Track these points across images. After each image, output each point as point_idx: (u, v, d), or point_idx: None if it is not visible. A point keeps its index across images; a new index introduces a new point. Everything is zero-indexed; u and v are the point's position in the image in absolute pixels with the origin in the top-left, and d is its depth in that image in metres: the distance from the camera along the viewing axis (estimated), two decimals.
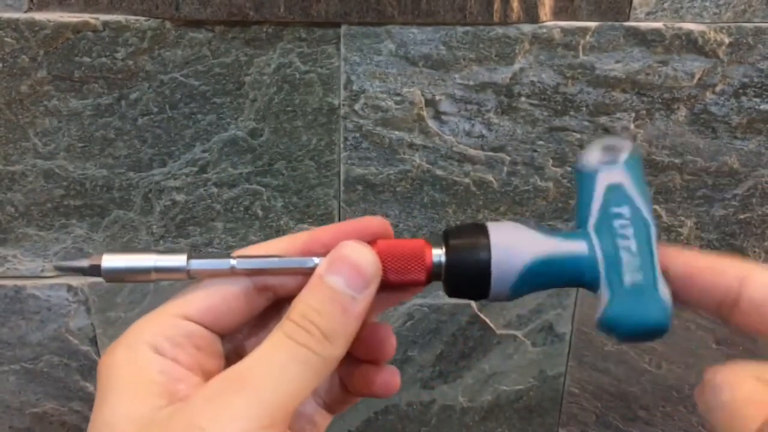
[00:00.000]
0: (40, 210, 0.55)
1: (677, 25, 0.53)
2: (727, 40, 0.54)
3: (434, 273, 0.26)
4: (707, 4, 0.53)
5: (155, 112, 0.53)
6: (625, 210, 0.26)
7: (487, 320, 0.64)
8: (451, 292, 0.26)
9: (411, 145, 0.56)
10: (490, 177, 0.57)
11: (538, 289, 0.26)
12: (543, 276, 0.25)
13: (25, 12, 0.49)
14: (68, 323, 0.60)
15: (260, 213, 0.57)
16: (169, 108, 0.53)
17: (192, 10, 0.49)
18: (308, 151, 0.55)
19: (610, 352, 0.66)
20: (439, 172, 0.57)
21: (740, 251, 0.63)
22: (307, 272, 0.25)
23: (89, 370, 0.62)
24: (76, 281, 0.58)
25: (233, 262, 0.25)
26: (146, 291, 0.59)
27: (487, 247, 0.25)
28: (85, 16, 0.49)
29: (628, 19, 0.53)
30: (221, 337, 0.26)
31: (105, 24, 0.49)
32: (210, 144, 0.54)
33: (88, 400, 0.63)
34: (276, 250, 0.26)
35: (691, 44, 0.54)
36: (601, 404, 0.69)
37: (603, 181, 0.26)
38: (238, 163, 0.55)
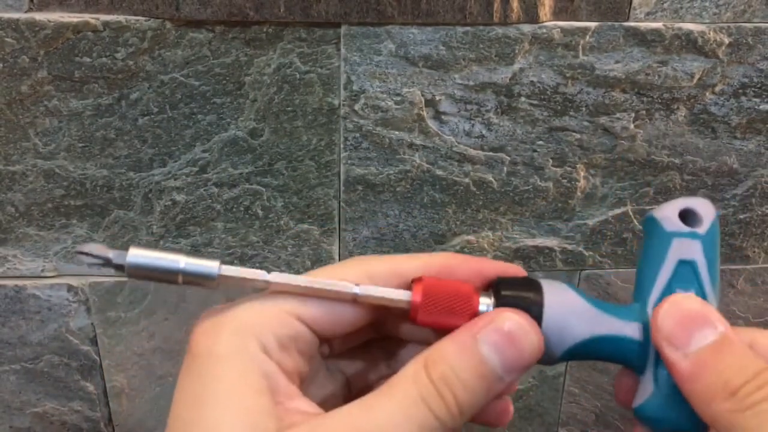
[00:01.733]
0: (41, 210, 0.55)
1: (677, 25, 0.53)
2: (726, 40, 0.54)
3: None
4: (707, 4, 0.53)
5: (155, 112, 0.53)
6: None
7: None
8: None
9: (411, 145, 0.56)
10: (490, 177, 0.57)
11: (579, 359, 0.25)
12: (589, 353, 0.24)
13: (26, 12, 0.49)
14: (68, 323, 0.60)
15: (260, 213, 0.57)
16: (169, 108, 0.53)
17: (192, 11, 0.49)
18: (308, 151, 0.55)
19: None
20: (439, 172, 0.57)
21: (740, 251, 0.63)
22: (347, 298, 0.24)
23: (89, 369, 0.62)
24: (76, 281, 0.58)
25: (269, 276, 0.24)
26: (147, 291, 0.59)
27: (539, 308, 0.24)
28: (86, 16, 0.49)
29: (627, 20, 0.53)
30: (320, 340, 0.25)
31: (105, 24, 0.50)
32: (210, 144, 0.54)
33: (89, 399, 0.63)
34: (409, 266, 0.25)
35: (691, 44, 0.54)
36: (601, 404, 0.69)
37: (676, 252, 0.24)
38: (239, 163, 0.55)
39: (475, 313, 0.24)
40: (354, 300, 0.24)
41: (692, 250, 0.24)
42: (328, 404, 0.24)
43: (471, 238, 0.60)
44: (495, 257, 0.61)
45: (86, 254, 0.22)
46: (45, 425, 0.64)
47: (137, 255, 0.22)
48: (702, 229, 0.24)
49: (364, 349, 0.28)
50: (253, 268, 0.24)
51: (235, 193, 0.56)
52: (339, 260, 0.60)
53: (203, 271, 0.23)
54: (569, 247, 0.61)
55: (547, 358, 0.24)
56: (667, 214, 0.25)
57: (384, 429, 0.20)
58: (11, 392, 0.62)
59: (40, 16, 0.49)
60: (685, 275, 0.24)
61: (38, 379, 0.62)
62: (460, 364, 0.21)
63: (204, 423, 0.20)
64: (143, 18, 0.50)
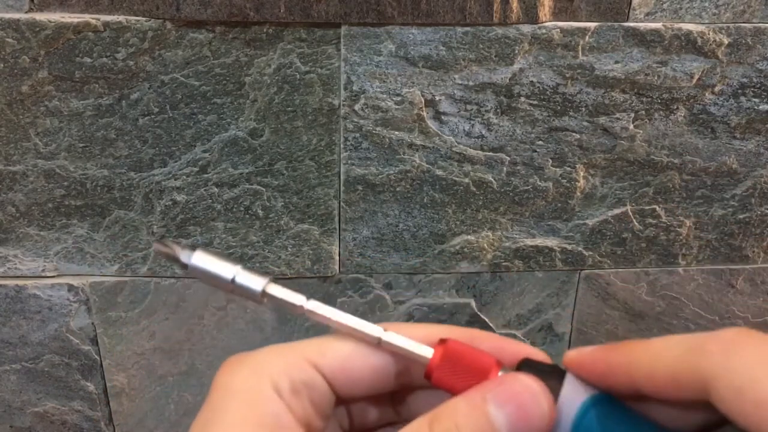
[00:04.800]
0: (41, 210, 0.55)
1: (676, 25, 0.53)
2: (726, 41, 0.54)
3: None
4: (706, 4, 0.53)
5: (156, 112, 0.53)
6: None
7: (487, 320, 0.64)
8: None
9: (411, 145, 0.56)
10: (489, 177, 0.58)
11: None
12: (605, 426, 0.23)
13: (26, 12, 0.49)
14: (69, 323, 0.60)
15: (260, 213, 0.57)
16: (169, 108, 0.53)
17: (192, 11, 0.49)
18: (308, 151, 0.55)
19: None
20: (439, 172, 0.57)
21: (739, 251, 0.63)
22: (372, 341, 0.24)
23: (90, 369, 0.62)
24: (77, 281, 0.58)
25: (306, 303, 0.24)
26: (147, 291, 0.59)
27: (556, 392, 0.23)
28: (86, 17, 0.49)
29: (627, 20, 0.53)
30: (337, 399, 0.24)
31: (106, 24, 0.50)
32: (210, 144, 0.54)
33: (89, 399, 0.63)
34: (429, 331, 0.25)
35: (690, 45, 0.54)
36: None
37: None
38: (239, 163, 0.55)
39: None
40: (377, 343, 0.24)
41: None
42: None
43: (471, 238, 0.60)
44: (495, 257, 0.61)
45: (162, 247, 0.24)
46: (45, 425, 0.64)
47: (200, 258, 0.24)
48: None
49: None
50: (295, 292, 0.25)
51: (235, 193, 0.56)
52: (339, 260, 0.60)
53: (249, 286, 0.24)
54: (569, 247, 0.61)
55: None
56: None
57: None
58: (12, 392, 0.62)
59: (40, 17, 0.49)
60: None
61: (39, 379, 0.62)
62: (464, 421, 0.21)
63: None
64: (144, 18, 0.50)
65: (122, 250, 0.58)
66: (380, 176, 0.57)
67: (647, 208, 0.60)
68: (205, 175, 0.55)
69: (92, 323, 0.60)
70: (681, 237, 0.62)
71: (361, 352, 0.24)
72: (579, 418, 0.22)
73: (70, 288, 0.59)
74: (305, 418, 0.23)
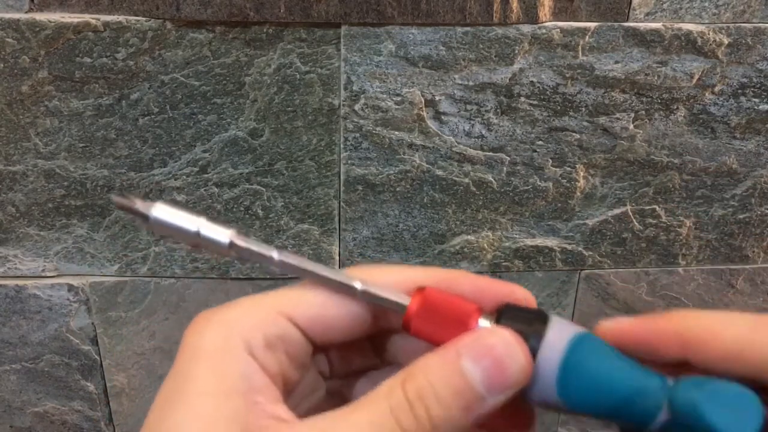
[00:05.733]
0: (41, 210, 0.55)
1: (676, 25, 0.53)
2: (726, 41, 0.54)
3: None
4: (706, 4, 0.53)
5: (156, 112, 0.53)
6: None
7: None
8: None
9: (411, 145, 0.56)
10: (489, 177, 0.58)
11: (594, 397, 0.22)
12: (596, 371, 0.22)
13: (26, 12, 0.49)
14: (69, 323, 0.60)
15: (260, 213, 0.57)
16: (169, 108, 0.53)
17: (193, 11, 0.49)
18: (308, 151, 0.55)
19: None
20: (439, 172, 0.57)
21: (739, 251, 0.63)
22: (347, 292, 0.23)
23: (90, 369, 0.62)
24: (77, 281, 0.58)
25: (276, 254, 0.23)
26: (147, 291, 0.59)
27: (540, 336, 0.22)
28: (86, 17, 0.49)
29: (627, 20, 0.53)
30: (313, 349, 0.24)
31: (106, 24, 0.50)
32: (210, 144, 0.54)
33: (89, 399, 0.63)
34: (406, 276, 0.24)
35: (690, 45, 0.54)
36: None
37: None
38: (239, 163, 0.55)
39: None
40: (353, 295, 0.23)
41: None
42: None
43: (471, 238, 0.60)
44: (495, 257, 0.61)
45: (120, 202, 0.23)
46: (46, 425, 0.64)
47: (162, 210, 0.23)
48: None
49: (369, 377, 0.27)
50: (267, 244, 0.24)
51: (235, 193, 0.56)
52: (339, 260, 0.60)
53: (216, 239, 0.23)
54: (569, 247, 0.61)
55: (546, 396, 0.22)
56: None
57: None
58: (12, 392, 0.62)
59: (40, 17, 0.49)
60: None
61: (39, 379, 0.62)
62: (437, 378, 0.20)
63: (167, 424, 0.20)
64: (144, 18, 0.50)
65: (122, 250, 0.58)
66: (380, 176, 0.57)
67: (647, 208, 0.60)
68: (205, 175, 0.55)
69: (92, 323, 0.60)
70: (681, 237, 0.62)
71: (335, 299, 0.23)
72: (567, 357, 0.22)
73: (70, 288, 0.59)
74: (281, 373, 0.22)
